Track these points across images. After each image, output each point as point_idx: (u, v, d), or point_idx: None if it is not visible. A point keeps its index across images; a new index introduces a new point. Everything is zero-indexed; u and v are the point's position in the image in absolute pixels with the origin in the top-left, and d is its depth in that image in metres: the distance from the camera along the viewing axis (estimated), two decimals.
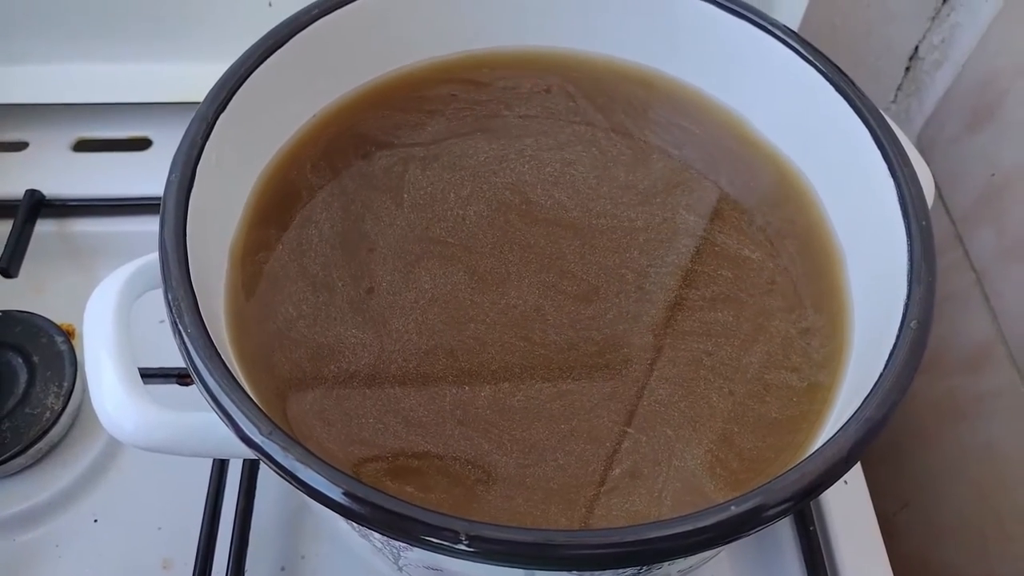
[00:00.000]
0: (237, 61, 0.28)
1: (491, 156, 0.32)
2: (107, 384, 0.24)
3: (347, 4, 0.30)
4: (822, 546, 0.34)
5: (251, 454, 0.23)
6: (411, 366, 0.27)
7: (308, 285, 0.28)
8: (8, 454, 0.34)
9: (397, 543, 0.24)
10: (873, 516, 0.35)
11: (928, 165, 0.29)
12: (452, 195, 0.31)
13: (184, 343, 0.22)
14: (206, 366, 0.22)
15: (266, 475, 0.35)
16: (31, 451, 0.35)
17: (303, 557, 0.35)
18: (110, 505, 0.36)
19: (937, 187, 0.46)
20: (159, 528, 0.35)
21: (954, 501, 0.45)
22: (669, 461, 0.25)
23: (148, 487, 0.36)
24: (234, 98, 0.27)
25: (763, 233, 0.30)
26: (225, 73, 0.28)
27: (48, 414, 0.35)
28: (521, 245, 0.29)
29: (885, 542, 0.34)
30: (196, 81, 0.42)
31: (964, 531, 0.44)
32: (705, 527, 0.20)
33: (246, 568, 0.33)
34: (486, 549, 0.19)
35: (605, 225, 0.30)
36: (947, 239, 0.46)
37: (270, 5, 0.40)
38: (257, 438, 0.21)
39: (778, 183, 0.31)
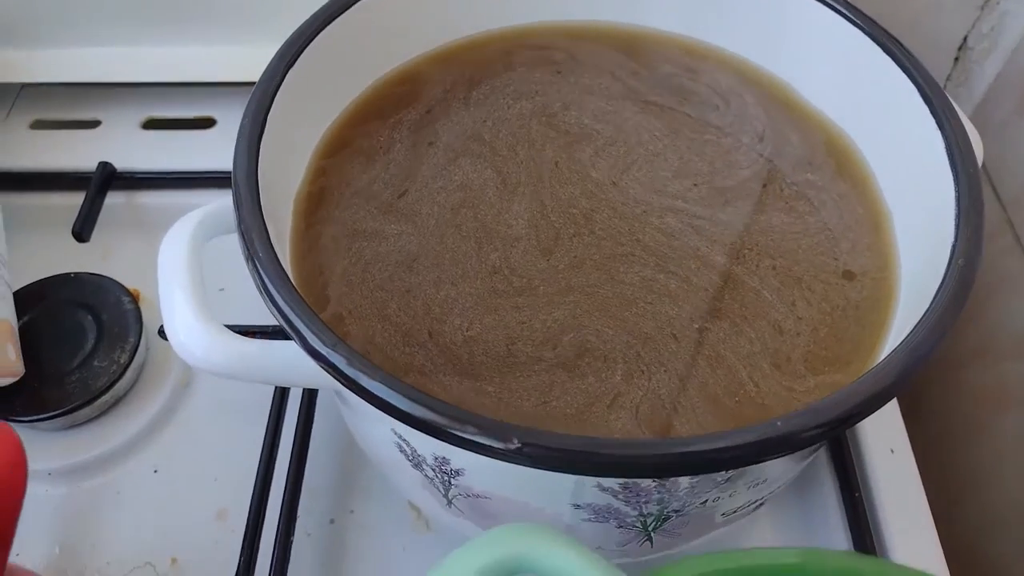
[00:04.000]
0: (306, 21, 0.29)
1: (540, 107, 0.33)
2: (179, 312, 0.25)
3: None
4: (867, 513, 0.33)
5: (311, 378, 0.24)
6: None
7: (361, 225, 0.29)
8: (75, 404, 0.36)
9: (448, 467, 0.25)
10: (920, 486, 0.34)
11: None
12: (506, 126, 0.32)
13: (255, 266, 0.23)
14: (275, 286, 0.23)
15: (319, 430, 0.36)
16: (97, 403, 0.37)
17: (352, 512, 0.36)
18: (169, 457, 0.37)
19: (987, 172, 0.46)
20: (215, 479, 0.36)
21: (1006, 490, 0.44)
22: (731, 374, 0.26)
23: (206, 440, 0.37)
24: (302, 55, 0.29)
25: (808, 190, 0.31)
26: (294, 33, 0.29)
27: (115, 367, 0.37)
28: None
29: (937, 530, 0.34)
30: (259, 63, 0.44)
31: (1016, 521, 0.44)
32: (748, 443, 0.20)
33: (297, 519, 0.34)
34: (536, 453, 0.20)
35: (650, 173, 0.31)
36: (998, 224, 0.45)
37: None
38: (323, 349, 0.22)
39: (824, 144, 0.32)
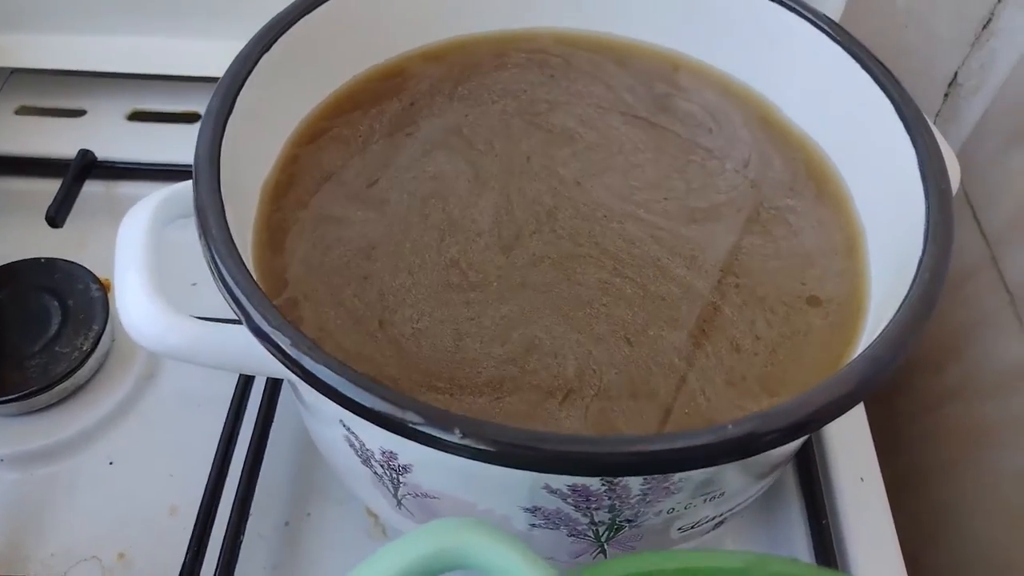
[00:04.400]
0: (287, 8, 0.29)
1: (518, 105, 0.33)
2: (131, 290, 0.25)
3: None
4: (833, 540, 0.33)
5: (261, 363, 0.24)
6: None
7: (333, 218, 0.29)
8: (33, 389, 0.35)
9: (396, 463, 0.24)
10: (889, 516, 0.34)
11: (964, 187, 0.29)
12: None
13: (207, 243, 0.23)
14: (225, 264, 0.22)
15: (280, 429, 0.35)
16: (56, 389, 0.36)
17: (308, 514, 0.35)
18: (126, 449, 0.36)
19: (972, 208, 0.46)
20: (170, 475, 0.36)
21: (982, 529, 0.44)
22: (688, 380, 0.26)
23: (165, 435, 0.37)
24: (278, 41, 0.29)
25: (788, 215, 0.30)
26: (273, 18, 0.29)
27: (76, 354, 0.36)
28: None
29: (908, 570, 0.33)
30: None
31: (990, 560, 0.43)
32: (700, 445, 0.20)
33: (250, 519, 0.33)
34: (479, 445, 0.19)
35: (619, 182, 0.31)
36: (982, 260, 0.45)
37: None
38: (268, 329, 0.21)
39: (805, 168, 0.32)
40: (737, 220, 0.30)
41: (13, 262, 0.39)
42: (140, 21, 0.45)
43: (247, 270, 0.22)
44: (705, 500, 0.24)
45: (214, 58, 0.45)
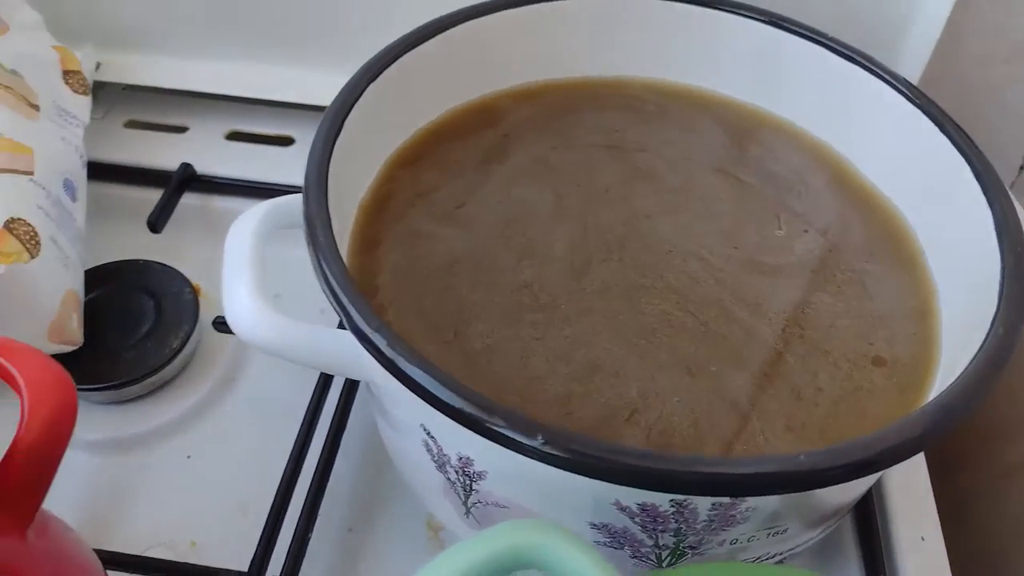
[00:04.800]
0: (392, 43, 0.32)
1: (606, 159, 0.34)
2: (236, 285, 0.27)
3: (512, 7, 0.34)
4: None
5: (351, 364, 0.25)
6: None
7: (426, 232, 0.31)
8: (124, 380, 0.37)
9: (471, 469, 0.25)
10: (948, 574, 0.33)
11: None
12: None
13: (315, 250, 0.25)
14: (331, 269, 0.24)
15: (350, 438, 0.37)
16: (145, 382, 0.38)
17: (371, 523, 0.36)
18: (203, 445, 0.38)
19: None
20: (243, 474, 0.37)
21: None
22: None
23: (240, 436, 0.38)
24: (383, 74, 0.31)
25: (865, 278, 0.31)
26: (381, 51, 0.31)
27: (167, 351, 0.38)
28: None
29: None
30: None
31: None
32: (773, 472, 0.21)
33: (317, 523, 0.34)
34: (559, 452, 0.20)
35: (698, 241, 0.32)
36: None
37: None
38: (367, 330, 0.23)
39: (884, 232, 0.32)
40: (808, 278, 0.31)
41: (115, 261, 0.41)
42: (241, 49, 0.48)
43: (349, 276, 0.24)
44: (768, 535, 0.25)
45: (307, 86, 0.48)
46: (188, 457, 0.38)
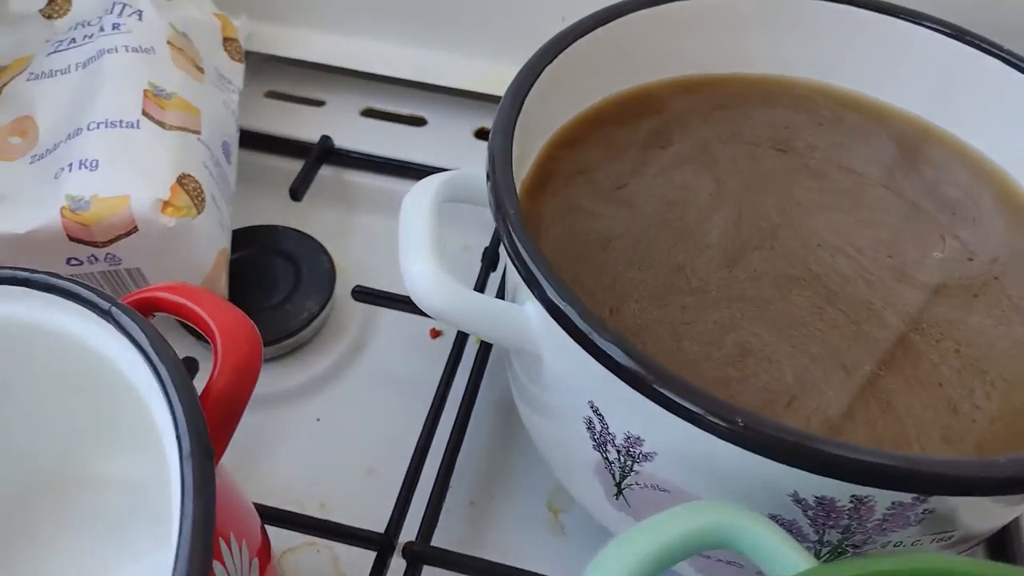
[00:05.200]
0: (566, 29, 0.32)
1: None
2: (416, 256, 0.27)
3: (652, 6, 0.34)
4: None
5: (519, 336, 0.26)
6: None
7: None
8: (264, 341, 0.38)
9: (638, 450, 0.25)
10: None
11: None
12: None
13: (504, 222, 0.25)
14: (521, 241, 0.25)
15: (477, 412, 0.38)
16: (282, 344, 0.39)
17: (492, 497, 0.37)
18: (332, 409, 0.39)
19: None
20: (370, 439, 0.38)
21: None
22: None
23: (366, 402, 0.39)
24: (557, 59, 0.32)
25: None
26: (551, 40, 0.32)
27: (304, 315, 0.40)
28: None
29: None
30: (476, 73, 0.49)
31: None
32: (978, 476, 0.21)
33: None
34: (757, 436, 0.21)
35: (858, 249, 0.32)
36: None
37: (563, 20, 0.45)
38: (560, 303, 0.23)
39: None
40: (968, 300, 0.30)
41: (256, 225, 0.43)
42: (380, 27, 0.49)
43: (538, 248, 0.25)
44: (932, 540, 0.25)
45: (438, 69, 0.49)
46: (317, 420, 0.39)
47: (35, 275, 0.24)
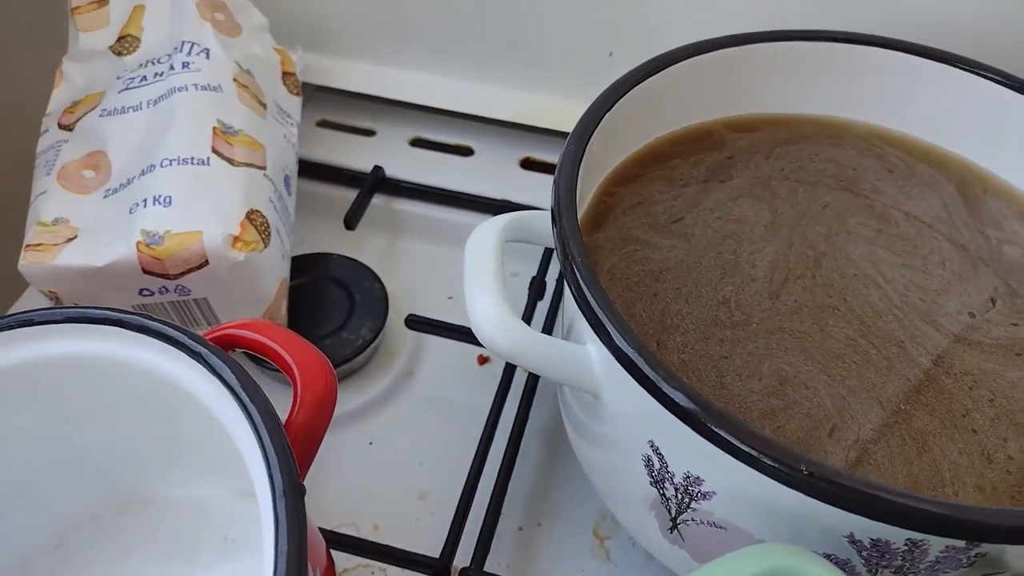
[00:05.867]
0: (625, 76, 0.33)
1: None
2: (481, 295, 0.29)
3: (712, 51, 0.35)
4: None
5: (580, 377, 0.27)
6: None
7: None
8: None
9: (697, 489, 0.26)
10: None
11: None
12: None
13: (574, 273, 0.27)
14: (590, 288, 0.26)
15: (524, 442, 0.39)
16: (337, 370, 0.40)
17: (539, 524, 0.38)
18: (384, 433, 0.41)
19: None
20: (421, 464, 0.39)
21: None
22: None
23: (418, 427, 0.41)
24: (618, 103, 0.33)
25: None
26: (616, 82, 0.33)
27: (360, 342, 0.41)
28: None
29: None
30: (522, 106, 0.50)
31: None
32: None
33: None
34: (820, 483, 0.22)
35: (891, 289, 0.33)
36: None
37: (610, 55, 0.47)
38: (628, 350, 0.24)
39: None
40: (1010, 357, 0.30)
41: (311, 254, 0.44)
42: (427, 59, 0.50)
43: (606, 295, 0.26)
44: None
45: (485, 100, 0.50)
46: (370, 443, 0.40)
47: (128, 316, 0.25)
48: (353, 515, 0.38)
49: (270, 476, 0.21)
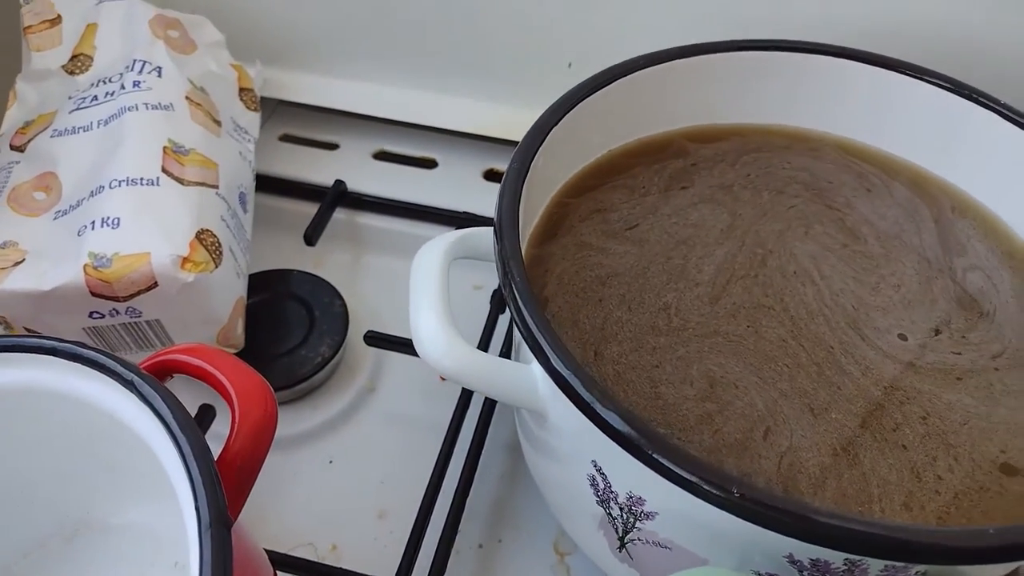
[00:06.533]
0: (574, 88, 0.33)
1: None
2: (424, 314, 0.28)
3: (661, 62, 0.35)
4: None
5: (528, 398, 0.27)
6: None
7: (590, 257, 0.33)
8: (278, 386, 0.40)
9: (640, 509, 0.26)
10: None
11: None
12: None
13: (512, 288, 0.26)
14: (528, 309, 0.26)
15: (485, 457, 0.38)
16: (296, 388, 0.40)
17: (500, 541, 0.37)
18: (344, 452, 0.40)
19: None
20: (381, 482, 0.39)
21: None
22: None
23: (379, 444, 0.40)
24: (565, 118, 0.33)
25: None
26: (562, 97, 0.33)
27: (318, 360, 0.41)
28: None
29: None
30: (485, 117, 0.50)
31: None
32: (969, 546, 0.21)
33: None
34: (751, 506, 0.22)
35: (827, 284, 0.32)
36: None
37: (569, 66, 0.47)
38: (564, 372, 0.24)
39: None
40: (951, 381, 0.30)
41: (270, 270, 0.44)
42: (390, 73, 0.50)
43: (545, 317, 0.26)
44: None
45: (448, 113, 0.50)
46: (330, 462, 0.40)
47: (62, 344, 0.25)
48: (312, 536, 0.38)
49: (196, 508, 0.21)
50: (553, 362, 0.25)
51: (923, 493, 0.26)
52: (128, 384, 0.24)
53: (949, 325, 0.31)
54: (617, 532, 0.28)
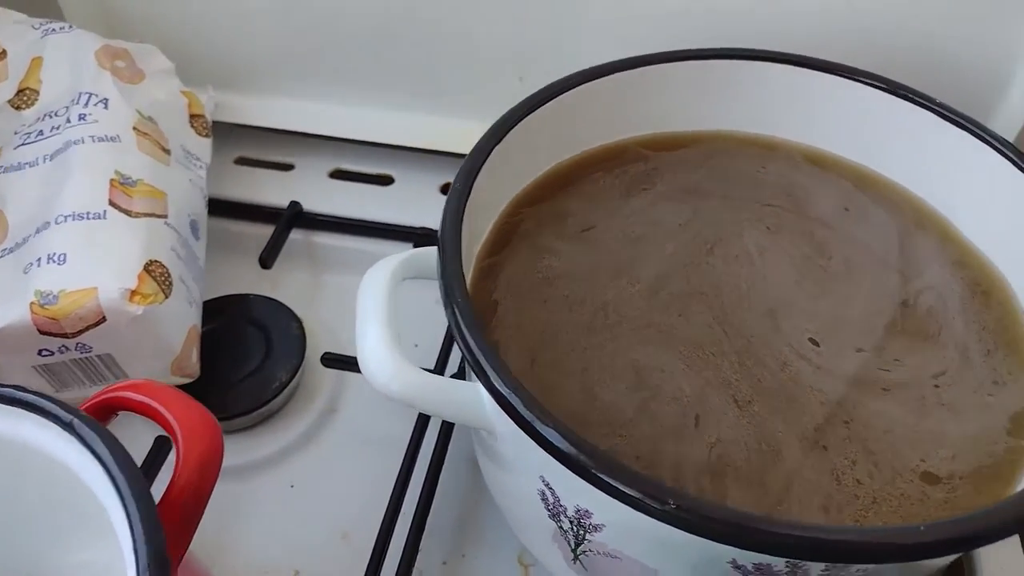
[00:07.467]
0: (514, 108, 0.34)
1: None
2: (371, 338, 0.28)
3: (602, 76, 0.36)
4: None
5: (478, 417, 0.27)
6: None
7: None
8: (235, 412, 0.40)
9: (588, 521, 0.26)
10: None
11: None
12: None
13: (453, 310, 0.27)
14: (469, 330, 0.26)
15: (446, 473, 0.39)
16: (254, 414, 0.40)
17: (463, 556, 0.38)
18: (306, 475, 0.40)
19: None
20: (344, 504, 0.39)
21: None
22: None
23: (341, 466, 0.40)
24: (508, 135, 0.33)
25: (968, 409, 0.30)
26: (502, 117, 0.33)
27: (276, 384, 0.41)
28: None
29: None
30: (439, 133, 0.50)
31: None
32: (901, 544, 0.22)
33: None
34: (688, 517, 0.22)
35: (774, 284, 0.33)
36: None
37: (520, 80, 0.47)
38: (504, 391, 0.24)
39: (972, 276, 0.33)
40: (877, 392, 0.30)
41: (225, 296, 0.44)
42: (343, 92, 0.50)
43: (485, 339, 0.26)
44: None
45: (402, 129, 0.50)
46: (292, 486, 0.40)
47: (1, 389, 0.25)
48: (274, 563, 0.37)
49: (135, 549, 0.21)
50: (493, 382, 0.25)
51: (842, 496, 0.27)
52: (67, 426, 0.24)
53: (883, 351, 0.31)
54: (570, 544, 0.29)
